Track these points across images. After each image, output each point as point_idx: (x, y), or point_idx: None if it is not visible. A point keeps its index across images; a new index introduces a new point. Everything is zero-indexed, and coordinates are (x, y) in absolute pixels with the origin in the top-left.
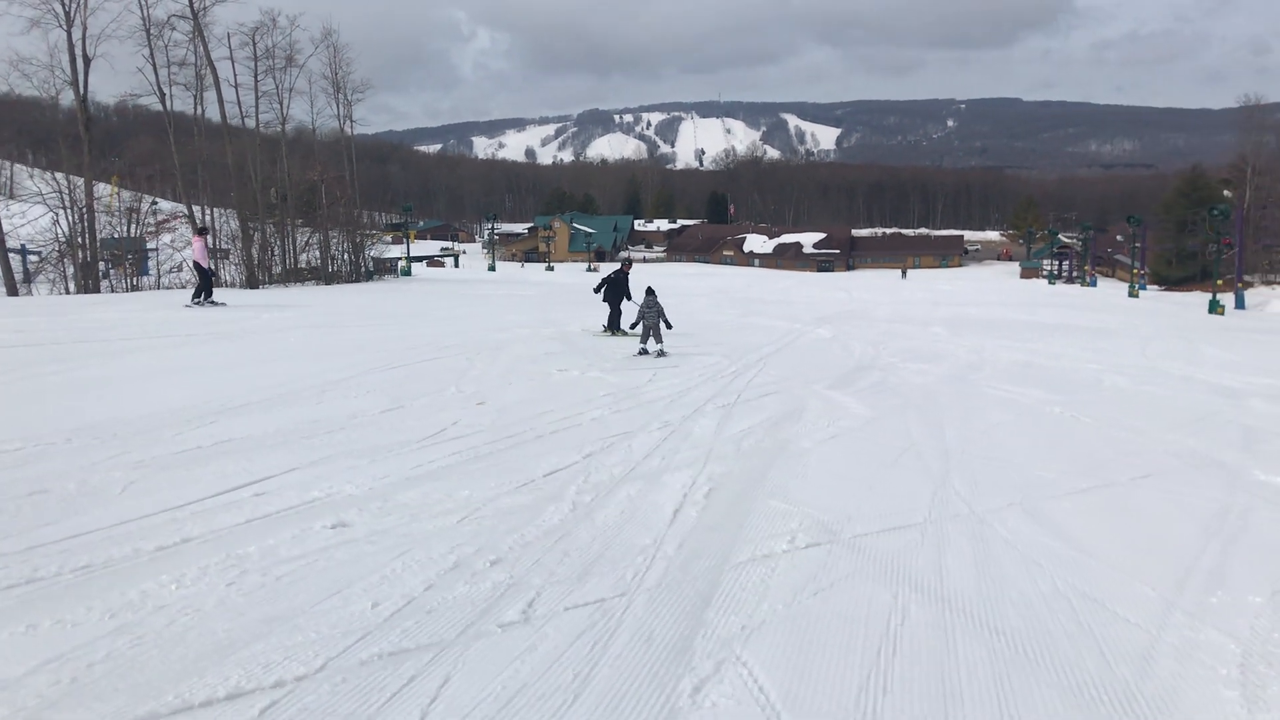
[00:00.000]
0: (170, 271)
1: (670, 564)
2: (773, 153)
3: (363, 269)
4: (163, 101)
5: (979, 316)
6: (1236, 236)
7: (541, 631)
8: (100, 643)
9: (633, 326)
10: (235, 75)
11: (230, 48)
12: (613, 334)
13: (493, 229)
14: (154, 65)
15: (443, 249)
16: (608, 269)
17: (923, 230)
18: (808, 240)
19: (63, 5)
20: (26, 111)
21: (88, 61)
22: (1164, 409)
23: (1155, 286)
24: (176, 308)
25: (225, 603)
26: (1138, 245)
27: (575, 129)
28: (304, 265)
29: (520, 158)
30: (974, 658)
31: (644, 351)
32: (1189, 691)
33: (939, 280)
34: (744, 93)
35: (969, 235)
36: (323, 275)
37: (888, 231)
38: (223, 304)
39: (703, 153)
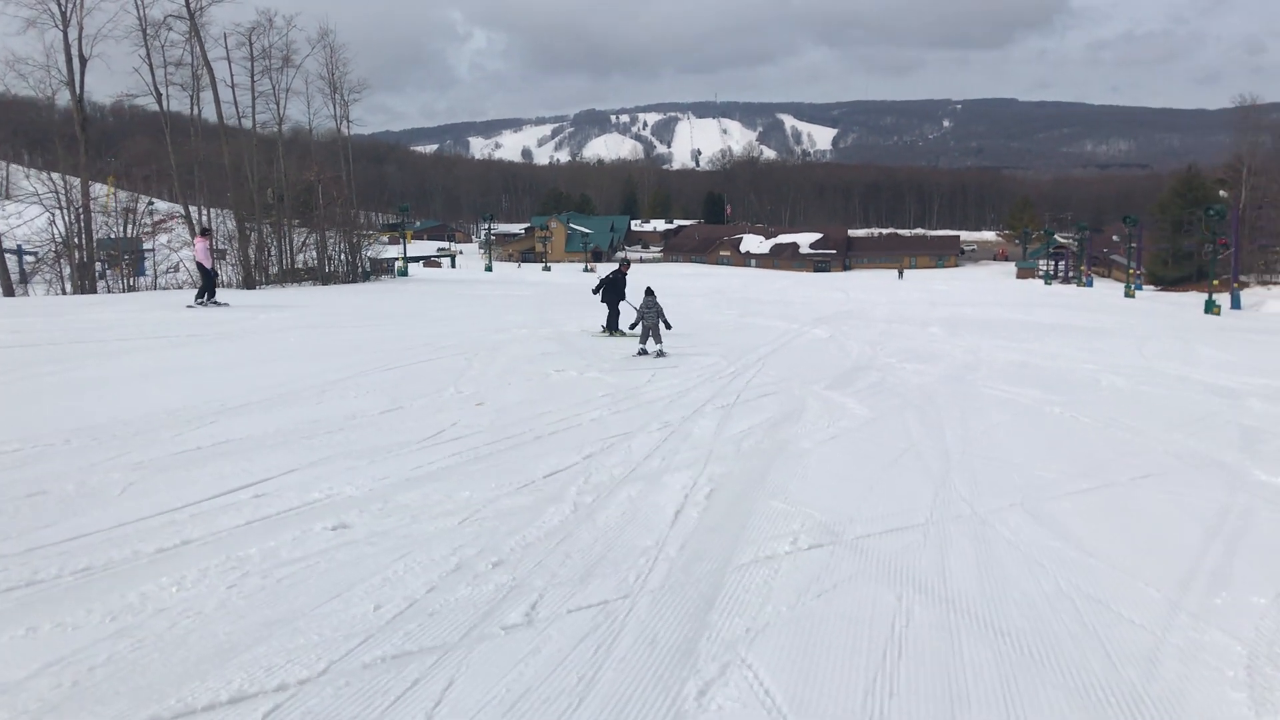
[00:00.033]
0: (167, 272)
1: (673, 566)
2: (769, 153)
3: (359, 269)
4: (159, 102)
5: (975, 317)
6: (1232, 237)
7: (545, 634)
8: (101, 646)
9: (632, 327)
10: (232, 75)
11: (227, 48)
12: (610, 334)
13: (489, 229)
14: (150, 65)
15: (439, 249)
16: (605, 269)
17: (919, 230)
18: (804, 240)
19: (59, 5)
20: (22, 111)
21: (84, 61)
22: (1162, 409)
23: (1151, 286)
24: (174, 308)
25: (226, 605)
26: (1134, 245)
27: (572, 129)
28: (301, 266)
29: (517, 158)
30: (979, 659)
31: (643, 352)
32: (1196, 694)
33: (935, 280)
34: (740, 93)
35: (965, 235)
36: (319, 276)
37: (884, 232)
38: (225, 304)
39: (699, 153)
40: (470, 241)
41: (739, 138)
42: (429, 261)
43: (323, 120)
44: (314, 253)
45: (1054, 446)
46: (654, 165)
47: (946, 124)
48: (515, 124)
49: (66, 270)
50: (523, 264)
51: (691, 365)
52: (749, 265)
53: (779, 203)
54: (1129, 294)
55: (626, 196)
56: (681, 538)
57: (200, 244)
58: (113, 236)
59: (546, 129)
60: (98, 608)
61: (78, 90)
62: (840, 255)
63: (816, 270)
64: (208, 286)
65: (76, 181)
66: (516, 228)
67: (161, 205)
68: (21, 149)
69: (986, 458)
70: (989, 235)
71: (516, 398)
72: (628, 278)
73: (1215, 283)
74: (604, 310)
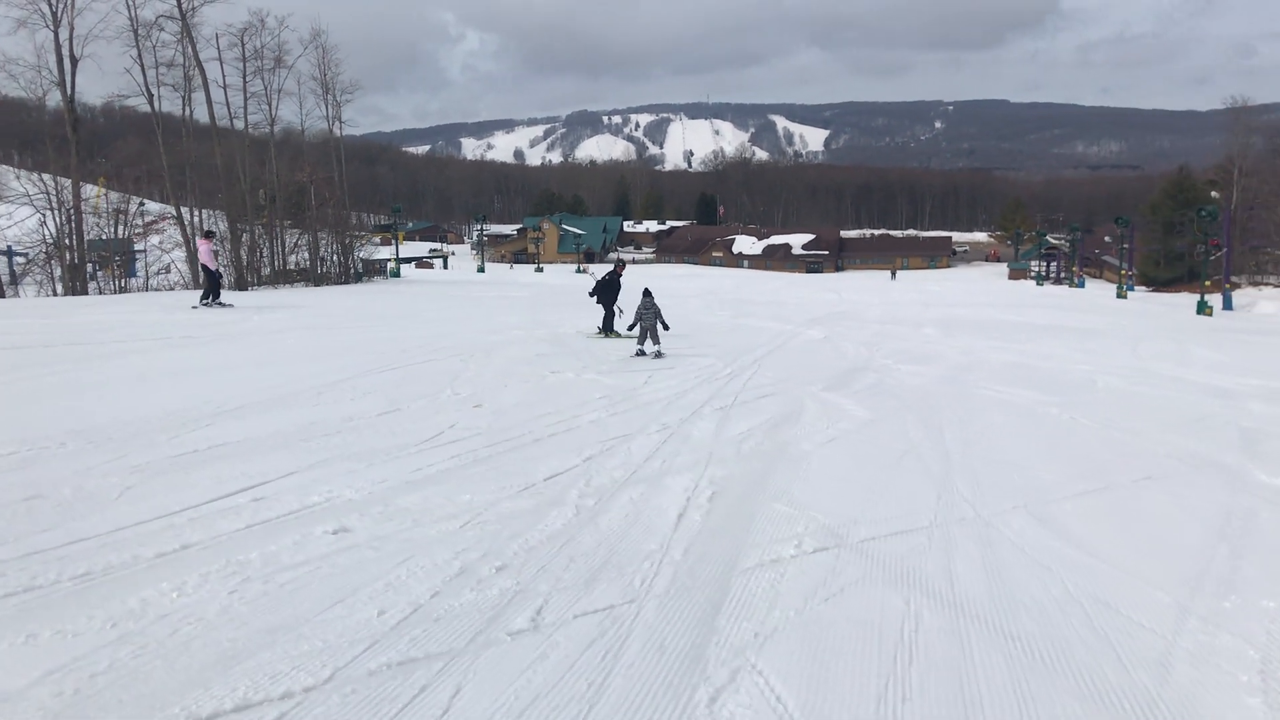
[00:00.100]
0: (158, 273)
1: (678, 569)
2: (761, 154)
3: (352, 270)
4: (151, 103)
5: (969, 317)
6: (1225, 238)
7: (552, 639)
8: (102, 653)
9: (630, 328)
10: (224, 76)
11: (219, 48)
12: (606, 336)
13: (481, 230)
14: (142, 66)
15: (431, 250)
16: (600, 270)
17: (911, 231)
18: (796, 241)
19: (49, 5)
20: (13, 112)
21: (75, 62)
22: (1159, 410)
23: (1143, 287)
24: (168, 309)
25: (228, 611)
26: (1125, 246)
27: (564, 130)
28: (293, 267)
29: (509, 159)
30: (991, 664)
31: (641, 353)
32: (1210, 699)
33: (928, 281)
34: (732, 94)
35: (957, 237)
36: (312, 277)
37: (876, 233)
38: (230, 305)
39: (691, 154)
40: (462, 242)
41: (731, 139)
42: (421, 263)
43: (315, 121)
44: (306, 254)
45: (1054, 448)
46: (646, 166)
47: (938, 125)
48: (507, 125)
49: (57, 271)
50: (515, 265)
51: (688, 366)
52: (741, 266)
53: (771, 204)
54: (1121, 295)
55: (619, 197)
56: (685, 541)
57: (204, 246)
58: (104, 238)
59: (539, 130)
60: (98, 614)
61: (69, 91)
62: (833, 256)
63: (809, 271)
64: (212, 288)
65: (67, 182)
66: (509, 229)
67: (153, 206)
68: (12, 150)
69: (987, 460)
70: (981, 236)
71: (514, 399)
72: (623, 279)
73: (1207, 284)
74: (599, 311)
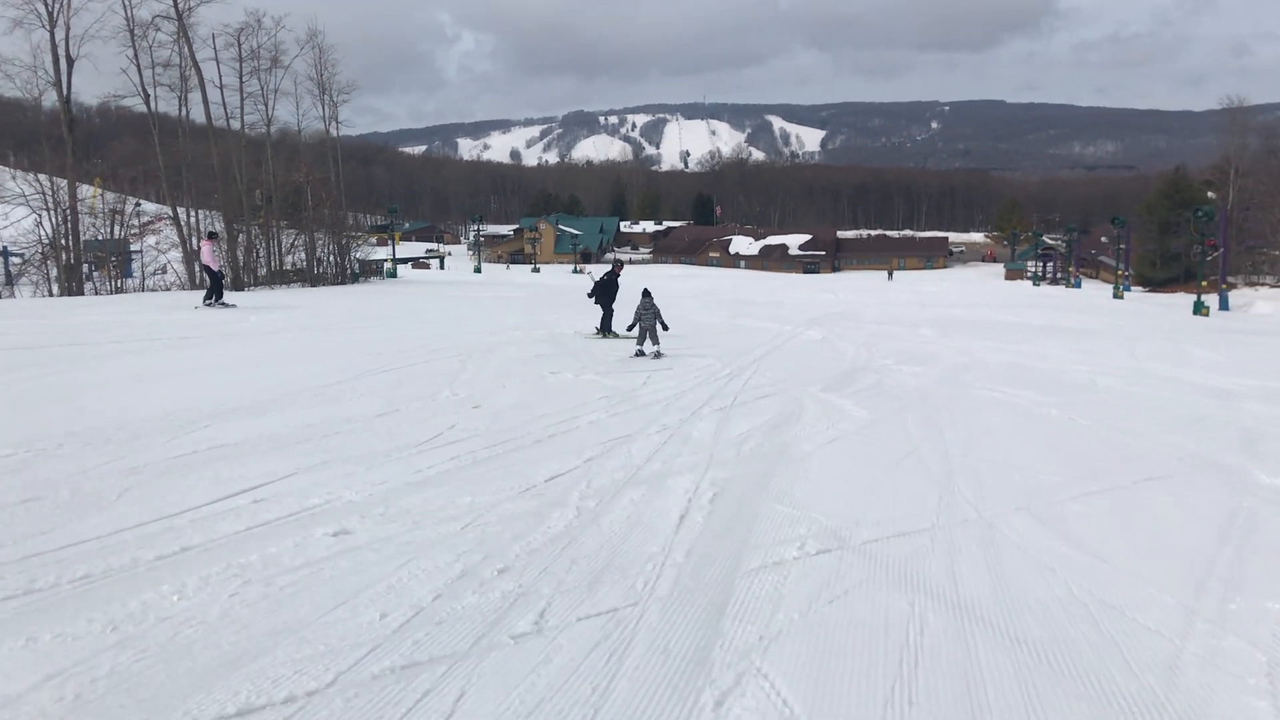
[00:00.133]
0: (154, 274)
1: (680, 572)
2: (758, 154)
3: (348, 271)
4: (147, 103)
5: (966, 318)
6: (1221, 238)
7: (555, 643)
8: (103, 656)
9: (629, 328)
10: (220, 76)
11: (215, 48)
12: (604, 336)
13: (478, 230)
14: (138, 66)
15: (428, 251)
16: (598, 271)
17: (907, 232)
18: (793, 242)
19: (45, 5)
20: (9, 112)
21: (71, 62)
22: (1159, 411)
23: (1139, 288)
24: (164, 310)
25: (229, 614)
26: (1122, 247)
27: (560, 130)
28: (289, 267)
29: (505, 159)
30: (998, 668)
31: (641, 353)
32: (1218, 702)
33: (924, 282)
34: (729, 94)
35: (953, 237)
36: (308, 277)
37: (872, 233)
38: (233, 305)
39: (688, 154)
40: (459, 243)
41: (727, 139)
42: (418, 263)
43: (311, 121)
44: (303, 254)
45: (1054, 449)
46: (643, 166)
47: (934, 126)
48: (503, 125)
49: (53, 272)
50: (512, 265)
51: (687, 367)
52: (738, 267)
53: (768, 204)
54: (1117, 295)
55: (615, 198)
56: (687, 543)
57: (206, 247)
58: (100, 238)
59: (535, 130)
60: (98, 617)
61: (65, 91)
62: (829, 257)
63: (806, 272)
64: (215, 288)
65: (63, 183)
66: (506, 229)
67: (149, 207)
68: (8, 150)
69: (988, 461)
70: (977, 237)
71: (513, 400)
72: (620, 279)
73: (1204, 284)
74: (597, 312)
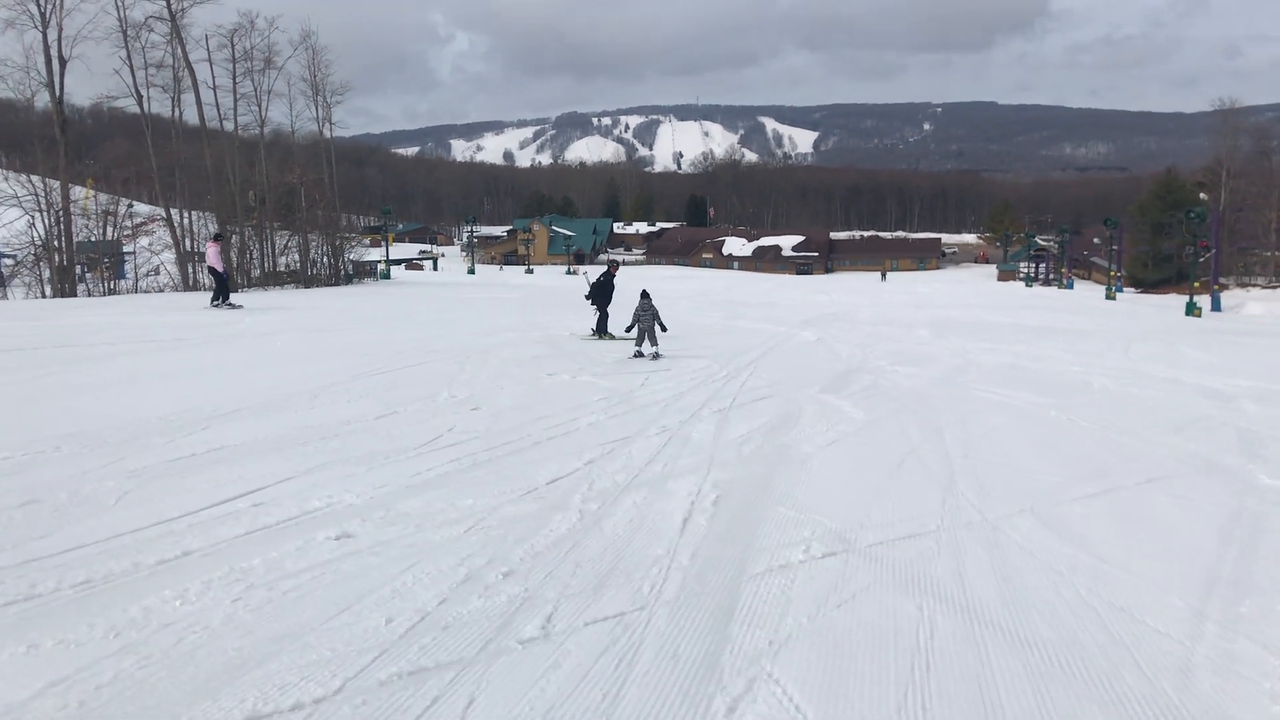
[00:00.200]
0: (147, 275)
1: (686, 575)
2: (751, 156)
3: (342, 272)
4: (140, 104)
5: (960, 319)
6: (1213, 239)
7: (564, 648)
8: (106, 663)
9: (628, 329)
10: (213, 77)
11: (208, 49)
12: (600, 337)
13: (471, 232)
14: (131, 67)
15: (421, 252)
16: (592, 272)
17: (900, 233)
18: (786, 243)
19: (38, 6)
20: (1, 113)
21: (63, 63)
22: (1156, 412)
23: (1131, 289)
24: (158, 311)
25: (233, 619)
26: (1114, 248)
27: (553, 132)
28: (283, 268)
29: (498, 160)
30: (1010, 672)
31: (639, 354)
32: (1234, 706)
33: (918, 283)
34: (722, 96)
35: (946, 238)
36: (302, 279)
37: (865, 234)
38: (240, 306)
39: (681, 155)
40: (452, 244)
41: (721, 140)
42: (411, 264)
43: (304, 122)
44: (296, 255)
45: (1054, 450)
46: (636, 168)
47: (927, 127)
48: (497, 126)
49: (46, 274)
50: (505, 267)
51: (684, 368)
52: (732, 268)
53: (761, 205)
54: (1110, 296)
55: (609, 199)
56: (692, 546)
57: (212, 249)
58: (93, 239)
59: (528, 131)
60: (100, 622)
61: (57, 92)
62: (822, 258)
63: (799, 273)
64: (221, 289)
65: (56, 184)
66: (499, 230)
67: (142, 208)
68: (0, 151)
69: (989, 462)
70: (970, 238)
71: (511, 402)
72: (616, 280)
73: (1196, 285)
74: (592, 312)
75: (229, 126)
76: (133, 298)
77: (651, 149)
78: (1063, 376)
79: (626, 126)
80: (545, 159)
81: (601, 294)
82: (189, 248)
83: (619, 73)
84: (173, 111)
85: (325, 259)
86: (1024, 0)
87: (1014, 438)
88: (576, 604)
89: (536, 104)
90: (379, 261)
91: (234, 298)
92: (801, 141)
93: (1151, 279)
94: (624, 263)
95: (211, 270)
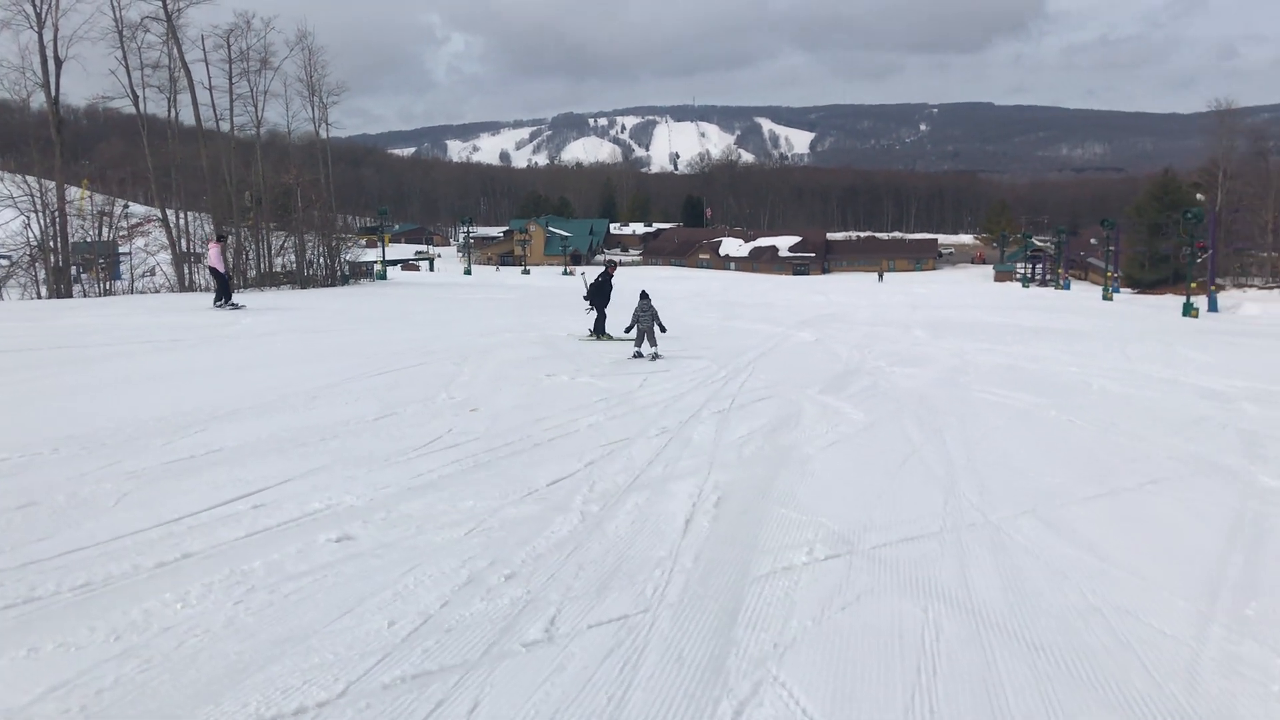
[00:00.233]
0: (143, 276)
1: (689, 578)
2: (747, 156)
3: (338, 273)
4: (136, 104)
5: (957, 319)
6: (1210, 240)
7: (568, 651)
8: (107, 667)
9: (628, 330)
10: (209, 78)
11: (204, 50)
12: (598, 338)
13: (468, 232)
14: (127, 67)
15: (417, 252)
16: (591, 272)
17: (897, 234)
18: (783, 244)
19: (34, 6)
20: None
21: (59, 63)
22: (1156, 413)
23: (1128, 289)
24: (154, 312)
25: (234, 622)
26: (1111, 249)
27: (550, 132)
28: (279, 269)
29: (495, 161)
30: (1017, 675)
31: (639, 354)
32: (1243, 710)
33: (914, 284)
34: (718, 96)
35: (943, 239)
36: (298, 279)
37: (862, 235)
38: (243, 306)
39: (677, 156)
40: (449, 245)
41: (717, 141)
42: (407, 265)
43: (301, 123)
44: (292, 256)
45: (1055, 451)
46: (632, 168)
47: (923, 128)
48: (493, 127)
49: (42, 274)
50: (501, 267)
51: (683, 369)
52: (728, 268)
53: (757, 206)
54: (1107, 297)
55: (605, 200)
56: (695, 548)
57: (213, 249)
58: (88, 240)
59: (524, 132)
60: (100, 626)
61: (53, 92)
62: (819, 258)
63: (795, 274)
64: (223, 290)
65: (51, 185)
66: (495, 231)
67: (138, 209)
68: None
69: (990, 463)
70: (966, 238)
71: (510, 403)
72: (614, 280)
73: (1193, 285)
74: (589, 314)
75: (225, 127)
76: (128, 298)
77: (648, 150)
78: (1061, 377)
79: (623, 127)
80: (541, 159)
81: (599, 295)
82: (185, 248)
83: (615, 73)
84: (169, 112)
85: (321, 259)
86: (1020, 1)
87: (1014, 439)
88: (580, 606)
89: (533, 104)
90: (375, 262)
91: (235, 298)
92: (798, 142)
93: (1148, 280)
94: (621, 263)
95: (212, 271)
